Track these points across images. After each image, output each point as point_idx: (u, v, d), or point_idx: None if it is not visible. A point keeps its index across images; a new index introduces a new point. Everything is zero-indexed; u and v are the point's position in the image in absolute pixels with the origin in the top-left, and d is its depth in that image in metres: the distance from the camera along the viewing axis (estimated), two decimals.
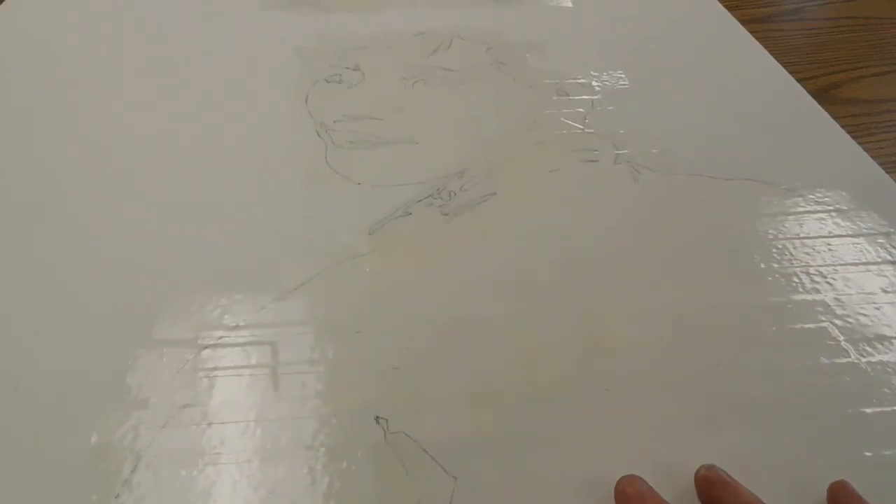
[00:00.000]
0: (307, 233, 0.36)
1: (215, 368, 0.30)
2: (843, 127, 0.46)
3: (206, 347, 0.31)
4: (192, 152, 0.41)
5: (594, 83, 0.49)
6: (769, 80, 0.50)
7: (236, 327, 0.32)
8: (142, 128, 0.43)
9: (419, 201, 0.39)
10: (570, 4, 0.59)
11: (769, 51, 0.54)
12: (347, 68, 0.49)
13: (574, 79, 0.49)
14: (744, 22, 0.58)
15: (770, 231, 0.38)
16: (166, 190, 0.39)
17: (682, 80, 0.50)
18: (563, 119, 0.45)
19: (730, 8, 0.61)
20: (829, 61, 0.54)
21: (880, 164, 0.43)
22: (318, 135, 0.43)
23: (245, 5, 0.57)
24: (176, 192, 0.39)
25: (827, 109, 0.48)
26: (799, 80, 0.51)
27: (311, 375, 0.30)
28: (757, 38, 0.56)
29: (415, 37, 0.53)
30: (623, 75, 0.50)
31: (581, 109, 0.46)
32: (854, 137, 0.45)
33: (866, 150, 0.44)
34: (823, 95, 0.50)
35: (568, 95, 0.48)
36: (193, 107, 0.45)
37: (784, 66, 0.52)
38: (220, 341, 0.31)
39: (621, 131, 0.45)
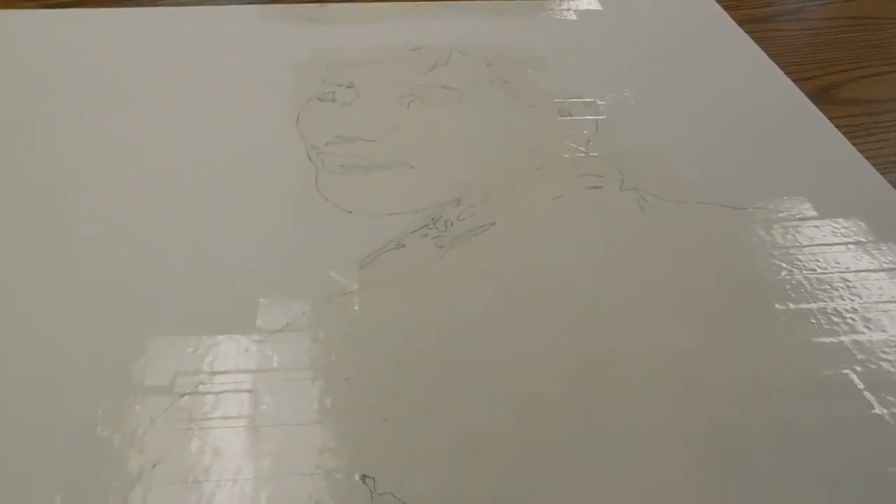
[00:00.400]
0: (294, 267, 0.34)
1: (192, 420, 0.28)
2: (843, 127, 0.45)
3: (183, 395, 0.29)
4: (172, 181, 0.39)
5: (598, 101, 0.47)
6: (780, 98, 0.48)
7: (216, 373, 0.30)
8: (119, 154, 0.41)
9: (413, 232, 0.37)
10: (575, 17, 0.57)
11: (769, 51, 0.53)
12: (341, 85, 0.47)
13: (578, 97, 0.47)
14: (744, 22, 0.58)
15: (784, 265, 0.36)
16: (143, 219, 0.37)
17: (689, 98, 0.48)
18: (565, 142, 0.43)
19: (730, 8, 0.60)
20: (829, 61, 0.54)
21: (880, 164, 0.42)
22: (310, 158, 0.41)
23: (243, 16, 0.55)
24: (153, 222, 0.37)
25: (827, 110, 0.47)
26: (799, 81, 0.50)
27: (295, 428, 0.28)
28: (757, 38, 0.55)
29: (412, 51, 0.51)
30: (628, 93, 0.48)
31: (585, 131, 0.44)
32: (854, 138, 0.45)
33: (866, 150, 0.43)
34: (823, 96, 0.50)
35: (571, 115, 0.46)
36: (179, 128, 0.43)
37: (784, 67, 0.51)
38: (198, 388, 0.29)
39: (626, 154, 0.42)
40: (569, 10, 0.58)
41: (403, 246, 0.36)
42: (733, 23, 0.57)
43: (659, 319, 0.33)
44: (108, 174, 0.39)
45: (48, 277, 0.33)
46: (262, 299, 0.33)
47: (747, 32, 0.57)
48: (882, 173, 0.42)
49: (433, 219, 0.37)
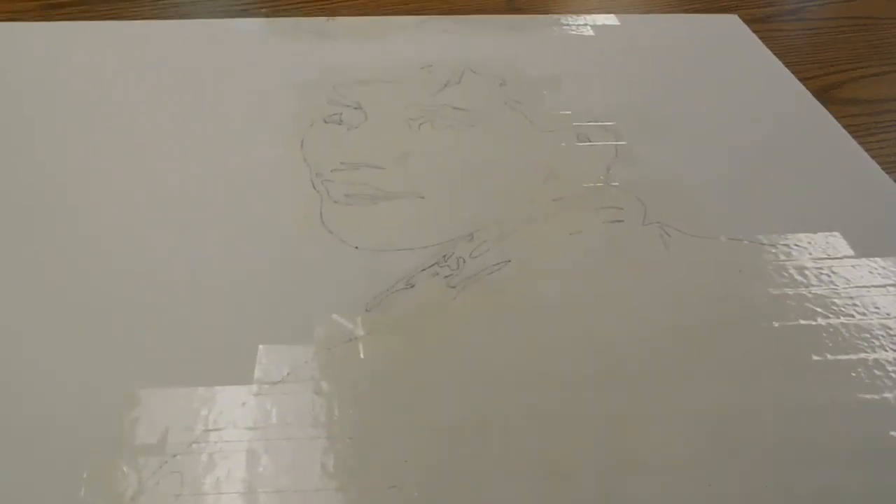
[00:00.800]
0: (296, 310, 0.32)
1: (183, 484, 0.26)
2: (843, 127, 0.45)
3: (175, 455, 0.27)
4: (164, 213, 0.37)
5: (618, 125, 0.45)
6: (811, 124, 0.46)
7: (210, 430, 0.28)
8: (108, 182, 0.39)
9: (423, 270, 0.34)
10: (591, 33, 0.55)
11: (769, 51, 0.52)
12: (348, 106, 0.45)
13: (596, 121, 0.45)
14: (744, 22, 0.57)
15: (819, 310, 0.33)
16: (134, 257, 0.34)
17: (714, 121, 0.45)
18: (584, 170, 0.41)
19: (730, 8, 0.60)
20: (829, 61, 0.54)
21: (881, 164, 0.42)
22: (314, 186, 0.39)
23: (247, 30, 0.53)
24: (143, 259, 0.34)
25: (827, 109, 0.47)
26: (799, 80, 0.50)
27: (293, 496, 0.26)
28: (757, 38, 0.55)
29: (422, 69, 0.49)
30: (648, 115, 0.46)
31: (604, 158, 0.42)
32: (854, 137, 0.45)
33: (866, 150, 0.43)
34: (823, 95, 0.50)
35: (590, 141, 0.43)
36: (174, 152, 0.41)
37: (784, 66, 0.50)
38: (191, 448, 0.27)
39: (648, 184, 0.40)
40: (585, 25, 0.56)
41: (413, 286, 0.34)
42: (758, 40, 0.55)
43: (684, 371, 0.31)
44: (96, 206, 0.37)
45: (30, 321, 0.31)
46: (261, 346, 0.31)
47: None
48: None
49: (444, 256, 0.35)
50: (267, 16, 0.57)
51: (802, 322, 0.33)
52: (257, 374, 0.30)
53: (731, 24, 0.58)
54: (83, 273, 0.33)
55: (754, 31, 0.56)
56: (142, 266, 0.34)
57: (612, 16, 0.57)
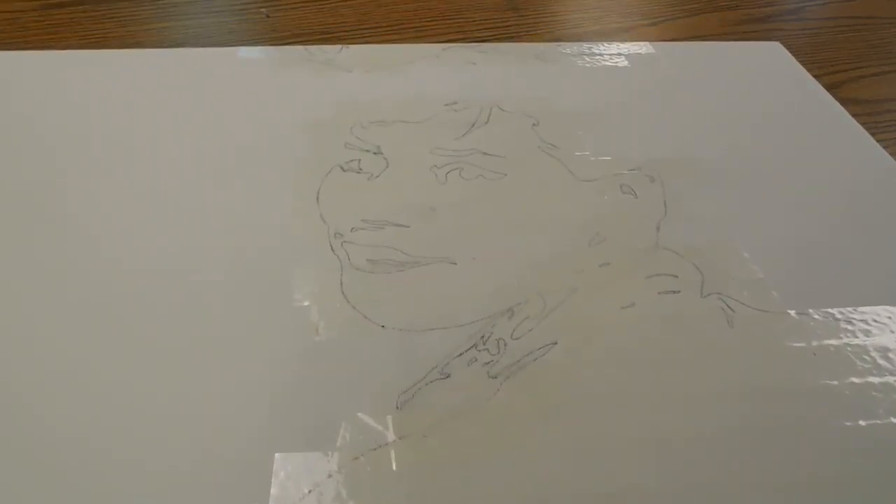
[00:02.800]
0: (315, 411, 0.28)
1: None
2: None
3: None
4: (164, 289, 0.33)
5: (664, 173, 0.41)
6: (882, 174, 0.42)
7: None
8: (82, 278, 0.35)
9: (459, 355, 0.30)
10: (626, 63, 0.51)
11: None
12: (367, 151, 0.41)
13: (640, 168, 0.41)
14: (744, 22, 0.59)
15: None
16: (126, 349, 0.30)
17: (767, 167, 0.41)
18: (631, 229, 0.37)
19: (730, 8, 0.60)
20: (829, 61, 0.54)
21: None
22: (332, 249, 0.35)
23: (252, 61, 0.48)
24: (143, 347, 0.30)
25: None
26: None
27: None
28: (757, 38, 0.56)
29: (446, 107, 0.45)
30: (696, 160, 0.42)
31: (652, 214, 0.38)
32: None
33: None
34: None
35: (634, 193, 0.39)
36: (175, 211, 0.37)
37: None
38: None
39: (704, 246, 0.36)
40: (619, 54, 0.52)
41: (448, 376, 0.30)
42: (802, 68, 0.51)
43: (756, 482, 0.27)
44: (68, 294, 0.33)
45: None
46: (277, 455, 0.27)
47: (747, 32, 0.57)
48: None
49: (482, 337, 0.31)
50: (267, 16, 0.54)
51: (894, 420, 0.29)
52: (274, 491, 0.25)
53: (773, 52, 0.54)
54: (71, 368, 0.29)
55: (754, 31, 0.56)
56: (131, 364, 0.30)
57: (646, 44, 0.53)
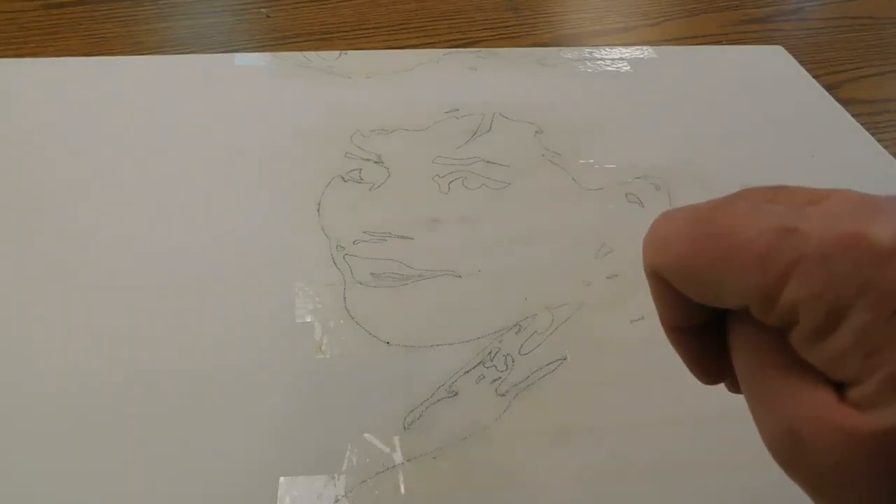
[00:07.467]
0: (320, 432, 0.27)
1: None
2: None
3: None
4: (162, 303, 0.32)
5: (670, 180, 0.40)
6: (882, 172, 0.41)
7: None
8: (76, 292, 0.34)
9: (467, 372, 0.30)
10: (629, 68, 0.50)
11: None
12: (368, 160, 0.40)
13: (644, 176, 0.40)
14: (744, 22, 0.58)
15: None
16: (129, 367, 0.30)
17: (773, 173, 0.41)
18: (638, 239, 0.36)
19: (730, 8, 0.60)
20: (829, 61, 0.54)
21: None
22: (335, 263, 0.34)
23: (249, 68, 0.48)
24: (141, 368, 0.29)
25: None
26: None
27: None
28: (757, 38, 0.56)
29: (447, 115, 0.44)
30: (701, 167, 0.41)
31: None
32: None
33: None
34: None
35: (640, 202, 0.39)
36: (171, 223, 0.36)
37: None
38: None
39: None
40: (621, 59, 0.51)
41: (455, 394, 0.29)
42: (806, 73, 0.50)
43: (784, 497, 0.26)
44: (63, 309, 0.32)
45: None
46: (282, 479, 0.26)
47: (747, 32, 0.57)
48: None
49: (490, 353, 0.30)
50: (268, 16, 0.53)
51: None
52: None
53: (776, 56, 0.53)
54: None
55: (754, 31, 0.56)
56: (134, 380, 0.29)
57: (648, 48, 0.53)
